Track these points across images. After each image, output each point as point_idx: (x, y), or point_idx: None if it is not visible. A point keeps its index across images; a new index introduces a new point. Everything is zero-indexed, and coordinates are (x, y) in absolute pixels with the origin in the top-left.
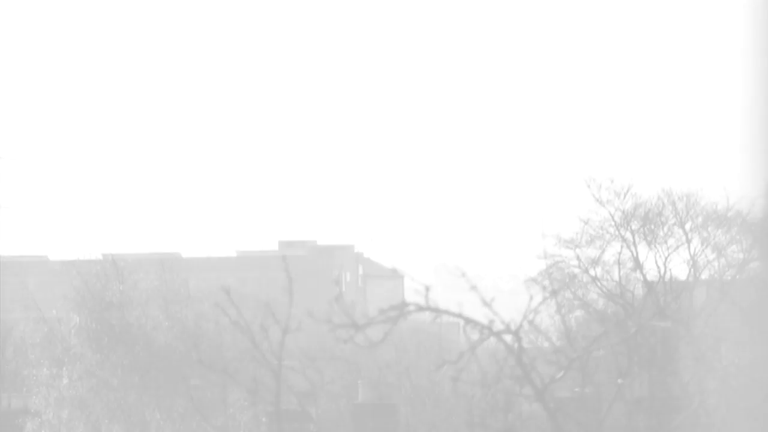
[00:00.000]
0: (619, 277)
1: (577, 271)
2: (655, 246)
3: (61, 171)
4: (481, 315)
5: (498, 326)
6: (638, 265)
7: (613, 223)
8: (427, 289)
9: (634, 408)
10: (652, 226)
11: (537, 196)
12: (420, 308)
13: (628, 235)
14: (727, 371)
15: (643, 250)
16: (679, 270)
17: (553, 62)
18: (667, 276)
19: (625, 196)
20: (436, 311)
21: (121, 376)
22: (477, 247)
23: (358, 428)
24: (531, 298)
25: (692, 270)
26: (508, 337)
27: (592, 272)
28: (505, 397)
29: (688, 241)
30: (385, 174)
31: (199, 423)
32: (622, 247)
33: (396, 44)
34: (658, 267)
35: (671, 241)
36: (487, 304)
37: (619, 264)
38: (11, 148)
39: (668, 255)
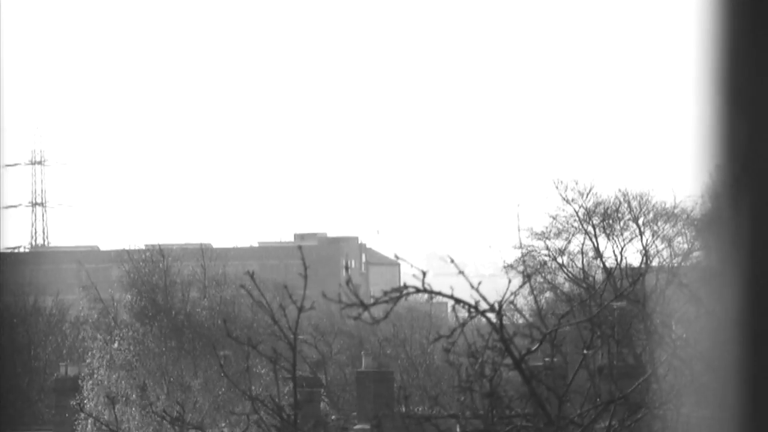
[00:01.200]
0: (583, 264)
1: (546, 259)
2: (612, 238)
3: (106, 173)
4: (467, 296)
5: (483, 306)
6: (599, 254)
7: (577, 219)
8: (424, 274)
9: (596, 375)
10: (611, 221)
11: (512, 195)
12: (418, 290)
13: (590, 228)
14: (675, 344)
15: (602, 241)
16: (634, 258)
17: (527, 80)
18: (623, 263)
19: (587, 196)
20: (431, 293)
21: (164, 345)
22: (461, 237)
23: (361, 392)
24: (510, 281)
25: (644, 258)
26: (491, 315)
27: (559, 260)
28: (488, 365)
29: (641, 234)
30: (384, 175)
31: (228, 387)
32: (585, 238)
33: (386, 57)
34: (616, 256)
35: (627, 234)
36: (474, 287)
37: (582, 253)
38: (65, 154)
39: (624, 245)
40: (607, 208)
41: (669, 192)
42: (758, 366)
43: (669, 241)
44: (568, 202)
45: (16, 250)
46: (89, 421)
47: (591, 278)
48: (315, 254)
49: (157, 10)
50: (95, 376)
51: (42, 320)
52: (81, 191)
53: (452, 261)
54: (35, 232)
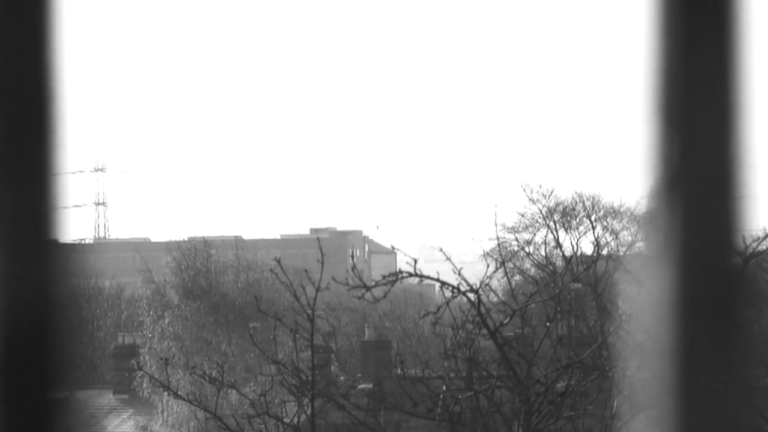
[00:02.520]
0: (545, 253)
1: (516, 248)
2: (570, 231)
3: (155, 176)
4: (452, 279)
5: (464, 287)
6: (558, 245)
7: (541, 215)
8: (416, 261)
9: (557, 343)
10: (568, 218)
11: (489, 196)
12: (411, 275)
13: (551, 224)
14: (621, 318)
15: (562, 234)
16: (587, 248)
17: (503, 97)
18: (579, 252)
19: (549, 197)
20: (422, 277)
21: (206, 319)
22: (447, 231)
23: (364, 358)
24: (487, 267)
25: (596, 248)
26: (471, 295)
27: (527, 249)
28: (468, 335)
29: (593, 228)
30: (383, 178)
31: (257, 354)
32: (547, 232)
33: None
34: (572, 246)
35: (581, 228)
36: (457, 272)
37: (545, 244)
38: (121, 162)
39: (579, 238)
40: (566, 207)
41: (616, 194)
42: (687, 335)
43: (616, 234)
44: (533, 202)
45: (81, 242)
46: (145, 379)
47: (552, 264)
48: (327, 245)
49: (186, 20)
50: (149, 344)
51: (102, 299)
52: (135, 192)
53: (441, 250)
54: (98, 227)
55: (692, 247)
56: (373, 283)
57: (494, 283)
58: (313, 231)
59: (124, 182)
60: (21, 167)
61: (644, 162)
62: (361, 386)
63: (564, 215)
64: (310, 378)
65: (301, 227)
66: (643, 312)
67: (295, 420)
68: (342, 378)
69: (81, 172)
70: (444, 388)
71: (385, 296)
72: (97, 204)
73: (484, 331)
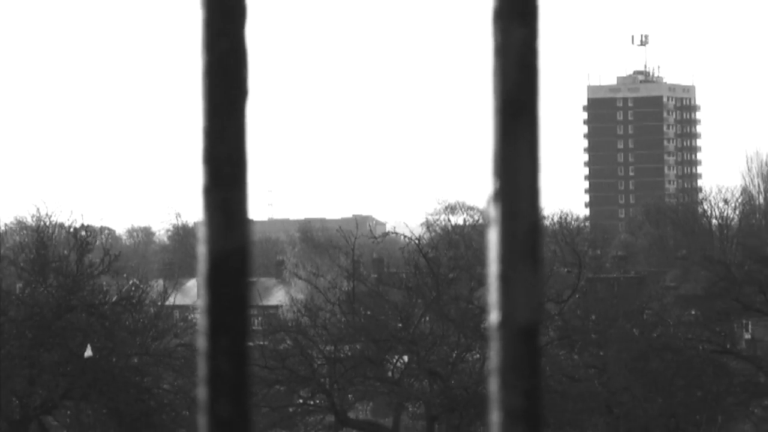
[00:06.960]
0: (444, 224)
1: (433, 222)
2: (454, 215)
3: (304, 187)
4: (410, 234)
5: (414, 238)
6: (449, 220)
7: (442, 209)
8: (395, 227)
9: (449, 259)
10: (453, 209)
11: (422, 198)
12: (392, 233)
13: (446, 212)
14: (476, 249)
15: (452, 216)
16: (460, 221)
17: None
18: (456, 223)
19: (447, 202)
20: (396, 233)
21: (310, 249)
22: (407, 215)
23: (374, 264)
24: (422, 230)
25: (464, 222)
26: (416, 240)
27: (437, 223)
28: (415, 257)
29: (464, 214)
30: (383, 188)
31: (332, 263)
32: (445, 216)
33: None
34: (454, 222)
35: (458, 214)
36: (411, 231)
37: (444, 221)
38: (278, 186)
39: (457, 219)
40: (452, 205)
41: (476, 199)
42: (506, 255)
43: (472, 216)
44: (439, 204)
45: (260, 220)
46: (287, 272)
47: (447, 229)
48: (359, 224)
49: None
50: (290, 259)
51: (269, 243)
52: (287, 199)
53: (404, 223)
54: (268, 216)
55: (506, 229)
56: (378, 236)
57: (426, 236)
58: (354, 216)
59: (279, 193)
60: (236, 187)
61: (487, 184)
62: (374, 275)
63: (452, 208)
64: (353, 272)
65: (347, 213)
66: (487, 246)
67: (347, 290)
68: (365, 272)
69: (259, 189)
70: (404, 275)
71: (382, 241)
72: (269, 204)
73: (421, 255)
